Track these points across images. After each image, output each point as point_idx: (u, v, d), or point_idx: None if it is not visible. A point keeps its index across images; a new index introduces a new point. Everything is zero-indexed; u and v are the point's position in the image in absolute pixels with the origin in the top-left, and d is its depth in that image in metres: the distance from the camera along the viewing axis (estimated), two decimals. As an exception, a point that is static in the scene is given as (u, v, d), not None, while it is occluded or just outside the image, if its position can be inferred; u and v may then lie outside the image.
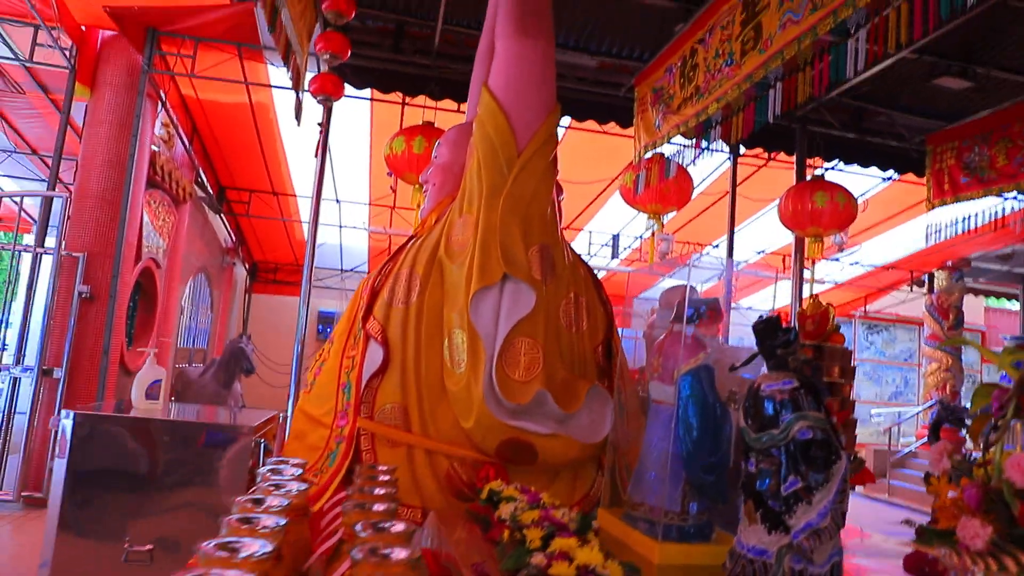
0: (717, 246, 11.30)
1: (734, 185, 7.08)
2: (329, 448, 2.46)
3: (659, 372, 2.13)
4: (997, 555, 1.23)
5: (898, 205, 9.49)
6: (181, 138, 7.63)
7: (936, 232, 6.90)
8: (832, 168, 8.29)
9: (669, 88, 5.06)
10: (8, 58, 6.60)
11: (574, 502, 2.45)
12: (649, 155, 5.46)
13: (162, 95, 6.57)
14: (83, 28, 6.28)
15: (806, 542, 1.52)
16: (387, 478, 1.61)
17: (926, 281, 13.59)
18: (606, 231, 10.74)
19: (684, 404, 1.97)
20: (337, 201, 10.36)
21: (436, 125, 5.91)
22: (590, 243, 10.69)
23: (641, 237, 9.88)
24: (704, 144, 4.42)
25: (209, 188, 9.35)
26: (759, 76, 3.80)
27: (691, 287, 2.28)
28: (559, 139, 2.57)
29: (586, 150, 7.88)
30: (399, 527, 1.09)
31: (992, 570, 1.20)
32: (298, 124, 5.56)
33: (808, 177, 6.85)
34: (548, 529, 1.58)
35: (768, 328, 1.70)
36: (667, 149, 5.84)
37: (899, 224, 10.37)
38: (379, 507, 1.26)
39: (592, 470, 2.47)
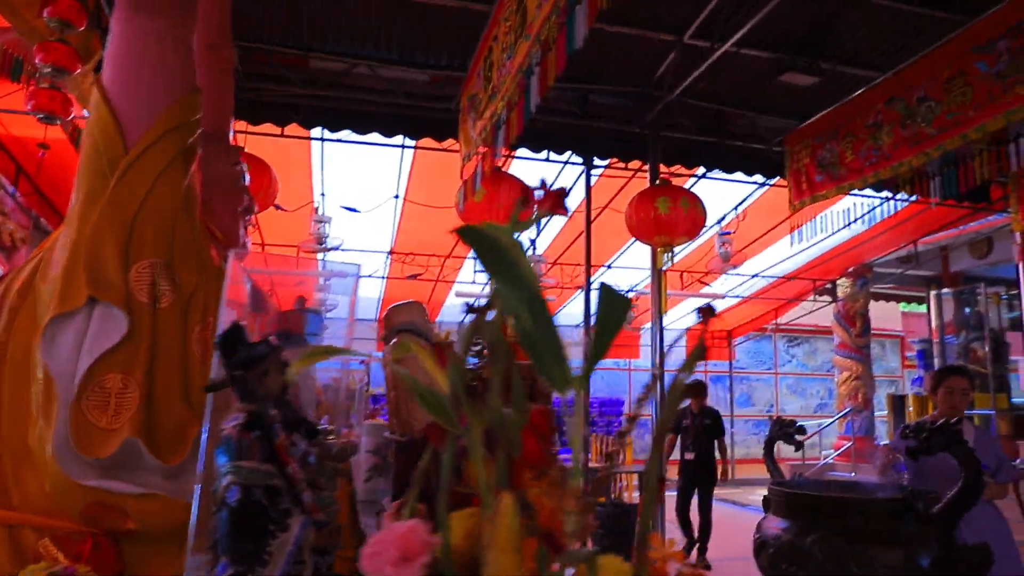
0: (610, 266, 10.98)
1: (588, 202, 6.71)
2: None
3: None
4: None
5: (781, 212, 9.26)
6: (-3, 181, 7.01)
7: (799, 236, 6.66)
8: (703, 177, 8.03)
9: (479, 94, 4.69)
10: None
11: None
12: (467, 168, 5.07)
13: (-49, 133, 5.96)
14: None
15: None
16: None
17: (831, 289, 13.47)
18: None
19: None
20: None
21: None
22: (476, 270, 10.26)
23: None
24: (497, 148, 4.02)
25: (51, 231, 8.67)
26: (525, 64, 3.43)
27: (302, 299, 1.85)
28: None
29: (441, 172, 7.48)
30: None
31: None
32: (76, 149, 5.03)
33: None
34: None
35: (227, 341, 1.24)
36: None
37: (787, 232, 10.15)
38: None
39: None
